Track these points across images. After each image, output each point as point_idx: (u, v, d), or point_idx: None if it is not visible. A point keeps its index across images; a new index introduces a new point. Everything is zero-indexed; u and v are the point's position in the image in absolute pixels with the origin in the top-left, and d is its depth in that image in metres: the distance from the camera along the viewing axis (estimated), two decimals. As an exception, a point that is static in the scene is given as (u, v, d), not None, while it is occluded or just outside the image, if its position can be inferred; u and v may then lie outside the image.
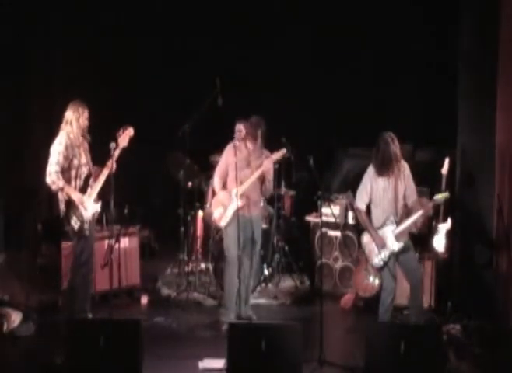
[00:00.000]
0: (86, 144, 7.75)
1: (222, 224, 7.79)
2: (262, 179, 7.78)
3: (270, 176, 7.84)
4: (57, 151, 7.55)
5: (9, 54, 8.89)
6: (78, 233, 7.63)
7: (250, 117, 8.72)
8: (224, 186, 7.83)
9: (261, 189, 7.84)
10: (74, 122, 7.59)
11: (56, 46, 9.32)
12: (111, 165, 7.46)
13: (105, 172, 7.58)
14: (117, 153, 7.55)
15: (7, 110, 8.98)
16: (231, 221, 7.70)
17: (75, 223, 7.59)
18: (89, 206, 7.63)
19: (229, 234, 7.74)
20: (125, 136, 7.65)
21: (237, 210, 7.62)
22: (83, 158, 7.67)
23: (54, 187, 7.56)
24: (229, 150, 7.78)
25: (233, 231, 7.66)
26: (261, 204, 8.16)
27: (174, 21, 9.97)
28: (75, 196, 7.57)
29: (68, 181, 7.57)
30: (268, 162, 7.70)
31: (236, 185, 7.60)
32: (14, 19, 8.91)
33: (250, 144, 7.79)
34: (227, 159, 7.78)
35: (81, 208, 7.58)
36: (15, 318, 7.69)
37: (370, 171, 7.36)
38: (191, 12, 9.95)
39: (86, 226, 7.63)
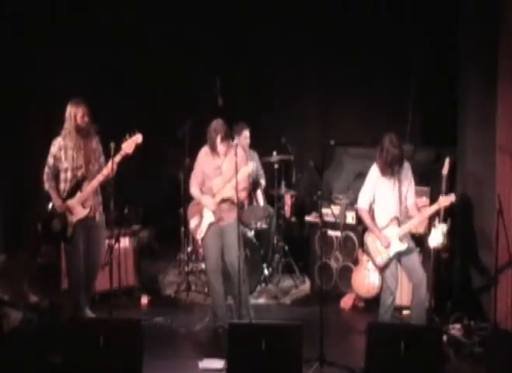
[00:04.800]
0: (94, 142, 7.61)
1: (198, 237, 7.69)
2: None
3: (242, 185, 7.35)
4: (50, 152, 7.54)
5: (9, 54, 8.88)
6: (61, 236, 7.58)
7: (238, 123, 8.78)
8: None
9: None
10: (68, 122, 7.49)
11: (56, 46, 9.31)
12: (111, 165, 7.30)
13: (103, 174, 7.47)
14: (118, 158, 7.33)
15: (7, 110, 8.98)
16: (206, 233, 7.60)
17: (56, 225, 7.55)
18: (76, 211, 7.56)
19: (206, 245, 7.67)
20: (131, 142, 7.38)
21: (211, 224, 7.53)
22: (77, 161, 7.51)
23: (44, 187, 7.56)
24: (201, 157, 7.61)
25: (208, 243, 7.61)
26: (234, 206, 7.46)
27: (174, 21, 9.97)
28: (55, 201, 7.52)
29: (57, 184, 7.54)
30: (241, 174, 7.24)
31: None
32: (14, 19, 8.91)
33: (220, 151, 7.48)
34: (201, 167, 7.59)
35: (66, 212, 7.54)
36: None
37: (374, 170, 7.27)
38: (191, 12, 9.95)
39: (70, 230, 7.56)
